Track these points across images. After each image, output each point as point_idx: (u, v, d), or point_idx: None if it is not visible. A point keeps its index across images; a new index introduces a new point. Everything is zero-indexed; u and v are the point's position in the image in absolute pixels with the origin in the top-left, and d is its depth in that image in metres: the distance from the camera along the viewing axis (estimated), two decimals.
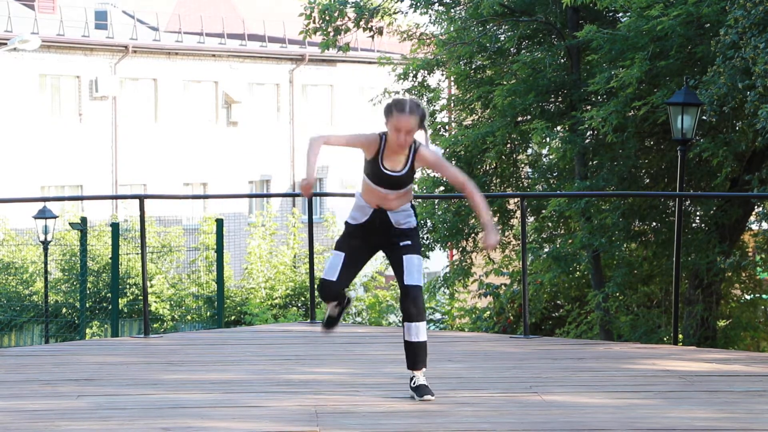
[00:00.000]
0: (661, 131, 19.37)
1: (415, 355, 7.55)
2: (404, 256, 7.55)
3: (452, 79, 23.20)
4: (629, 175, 19.78)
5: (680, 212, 11.18)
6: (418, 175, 22.82)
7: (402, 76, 23.12)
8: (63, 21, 39.07)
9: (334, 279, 7.62)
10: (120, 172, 39.43)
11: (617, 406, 7.39)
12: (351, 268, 7.65)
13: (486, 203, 7.60)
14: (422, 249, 7.83)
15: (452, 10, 22.81)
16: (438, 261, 27.46)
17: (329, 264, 7.66)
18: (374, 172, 7.56)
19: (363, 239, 7.66)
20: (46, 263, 26.51)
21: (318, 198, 40.94)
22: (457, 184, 7.58)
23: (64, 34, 38.93)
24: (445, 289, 23.93)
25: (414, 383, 7.59)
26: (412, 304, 7.49)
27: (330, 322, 8.01)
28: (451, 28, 22.39)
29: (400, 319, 29.32)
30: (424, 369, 7.58)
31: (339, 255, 7.65)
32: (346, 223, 7.76)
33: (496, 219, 22.24)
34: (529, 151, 22.84)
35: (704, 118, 17.35)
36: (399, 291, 7.61)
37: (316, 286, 7.94)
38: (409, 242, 7.60)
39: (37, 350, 10.84)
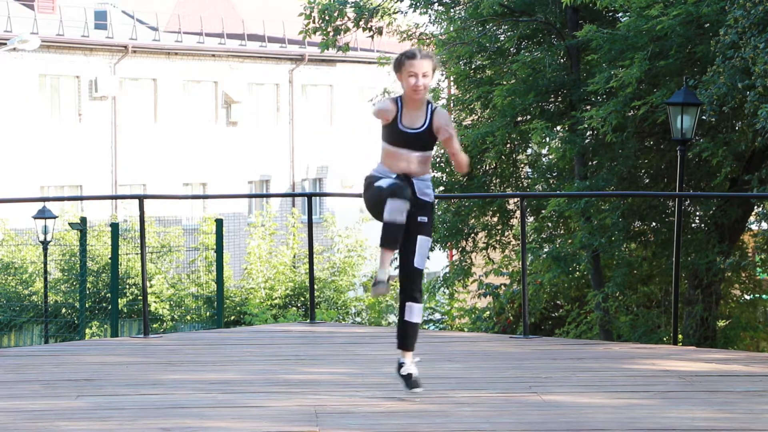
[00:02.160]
0: (661, 131, 19.37)
1: (412, 336, 7.55)
2: (419, 237, 7.44)
3: (452, 79, 23.21)
4: (629, 175, 19.78)
5: (680, 212, 11.18)
6: None
7: None
8: (62, 21, 39.07)
9: (404, 221, 7.30)
10: (119, 172, 39.43)
11: (617, 406, 7.38)
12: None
13: (463, 156, 7.43)
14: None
15: (452, 10, 22.81)
16: (438, 261, 27.47)
17: (393, 207, 7.27)
18: (393, 132, 7.40)
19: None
20: (45, 263, 26.51)
21: (317, 198, 40.96)
22: (448, 149, 7.43)
23: (63, 34, 38.93)
24: (445, 289, 23.93)
25: (404, 370, 7.56)
26: (417, 287, 7.44)
27: (380, 285, 7.41)
28: (451, 28, 22.39)
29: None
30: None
31: (400, 201, 7.25)
32: (370, 176, 7.43)
33: (495, 219, 22.25)
34: (529, 151, 22.84)
35: (704, 118, 17.36)
36: (401, 264, 7.46)
37: (382, 226, 7.34)
38: (425, 219, 7.46)
39: (37, 350, 10.84)
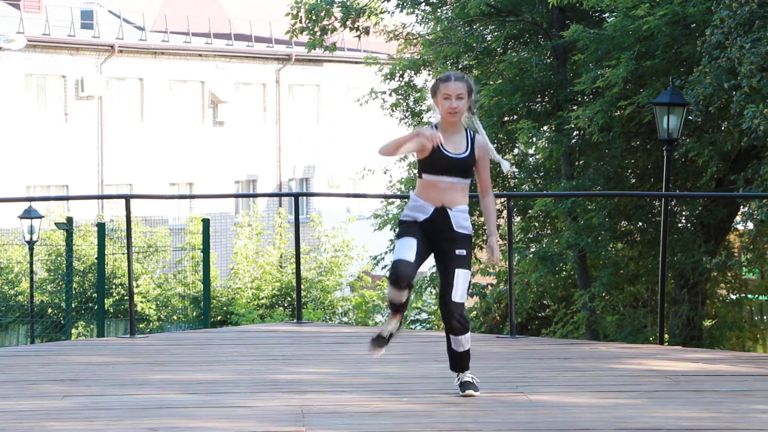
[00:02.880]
0: (647, 131, 19.41)
1: (459, 361, 7.59)
2: (456, 270, 7.39)
3: None
4: (615, 174, 19.80)
5: (666, 212, 11.21)
6: (404, 174, 22.82)
7: (388, 76, 23.14)
8: (49, 20, 38.98)
9: (412, 259, 7.30)
10: (106, 171, 39.35)
11: (603, 406, 7.39)
12: (419, 256, 7.36)
13: (492, 217, 7.52)
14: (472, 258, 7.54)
15: (439, 10, 22.82)
16: (426, 261, 27.47)
17: (402, 245, 7.31)
18: (435, 159, 7.30)
19: (422, 235, 7.38)
20: (31, 263, 26.43)
21: (304, 198, 40.91)
22: (484, 188, 7.48)
23: (49, 33, 38.84)
24: (432, 289, 23.95)
25: (459, 380, 7.64)
26: (456, 320, 7.42)
27: (380, 341, 7.54)
28: (438, 28, 22.40)
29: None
30: (468, 371, 7.58)
31: (410, 239, 7.32)
32: (402, 221, 7.44)
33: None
34: (516, 150, 22.87)
35: (690, 118, 17.39)
36: (440, 298, 7.47)
37: (388, 271, 7.39)
38: (464, 252, 7.40)
39: (23, 350, 10.81)
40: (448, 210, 7.39)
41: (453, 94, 7.33)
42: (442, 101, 7.36)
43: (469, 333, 7.54)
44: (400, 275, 7.32)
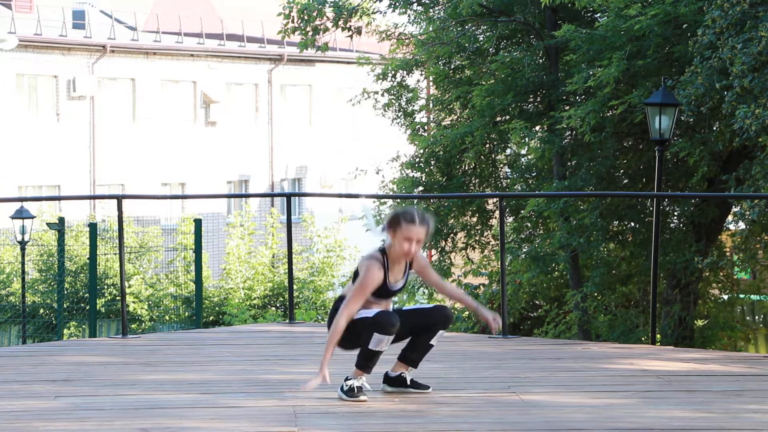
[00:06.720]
0: (639, 131, 19.43)
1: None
2: None
3: (431, 79, 23.24)
4: (607, 175, 19.82)
5: (658, 212, 11.21)
6: (396, 174, 22.84)
7: (381, 76, 23.14)
8: (40, 20, 38.93)
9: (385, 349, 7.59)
10: (98, 172, 39.31)
11: (595, 406, 7.40)
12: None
13: (463, 293, 7.90)
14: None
15: (431, 10, 22.82)
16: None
17: (379, 339, 7.52)
18: (380, 292, 7.48)
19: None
20: (23, 263, 26.40)
21: (296, 198, 40.90)
22: (438, 285, 7.76)
23: (41, 33, 38.79)
24: (424, 290, 23.96)
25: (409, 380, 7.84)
26: None
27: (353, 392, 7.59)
28: (430, 28, 22.41)
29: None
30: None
31: (386, 336, 7.51)
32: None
33: (475, 219, 22.27)
34: (508, 151, 22.88)
35: (682, 118, 17.40)
36: None
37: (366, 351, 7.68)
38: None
39: (15, 351, 10.80)
40: None
41: (414, 238, 7.37)
42: (402, 241, 7.36)
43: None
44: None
